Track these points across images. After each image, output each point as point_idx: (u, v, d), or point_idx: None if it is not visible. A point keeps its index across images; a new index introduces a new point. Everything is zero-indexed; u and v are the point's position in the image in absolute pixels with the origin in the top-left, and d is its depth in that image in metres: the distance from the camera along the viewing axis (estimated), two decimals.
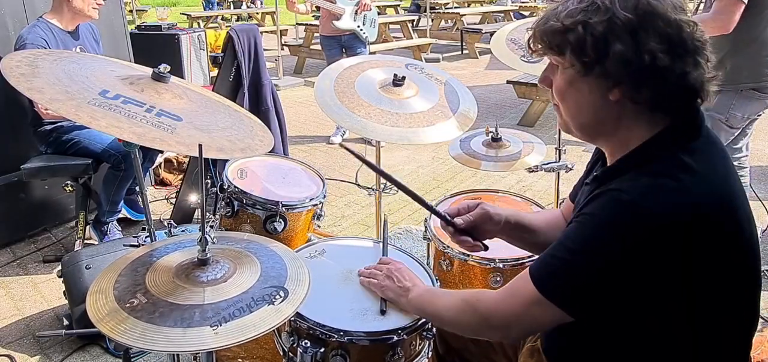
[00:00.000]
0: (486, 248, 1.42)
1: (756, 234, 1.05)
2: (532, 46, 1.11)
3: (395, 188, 2.31)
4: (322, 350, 1.29)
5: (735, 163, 2.85)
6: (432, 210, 1.42)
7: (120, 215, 3.30)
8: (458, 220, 1.39)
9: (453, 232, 1.40)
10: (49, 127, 2.99)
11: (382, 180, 2.30)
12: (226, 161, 2.16)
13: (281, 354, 1.40)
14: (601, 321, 1.04)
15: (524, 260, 1.75)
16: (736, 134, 2.69)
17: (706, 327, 1.03)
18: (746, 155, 2.87)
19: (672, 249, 0.95)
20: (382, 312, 1.36)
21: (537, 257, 1.70)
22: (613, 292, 0.99)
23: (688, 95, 1.02)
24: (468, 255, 1.75)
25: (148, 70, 1.57)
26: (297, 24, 9.51)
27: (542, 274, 1.06)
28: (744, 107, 2.59)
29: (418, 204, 1.40)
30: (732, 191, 1.02)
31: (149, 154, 3.31)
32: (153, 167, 3.89)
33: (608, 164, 1.12)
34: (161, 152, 3.56)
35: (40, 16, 2.96)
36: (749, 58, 2.53)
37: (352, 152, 1.32)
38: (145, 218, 3.17)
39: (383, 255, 1.57)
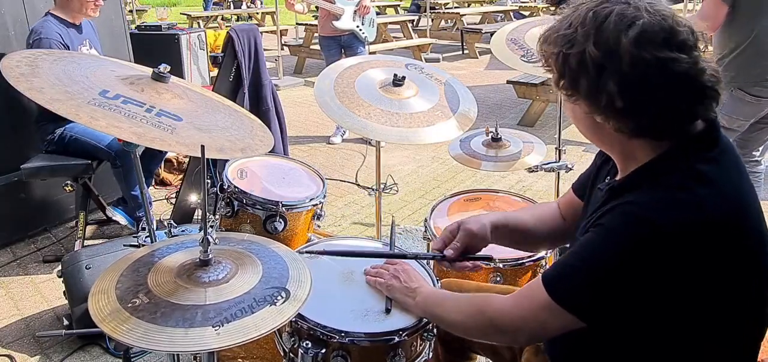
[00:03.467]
0: (491, 259, 1.45)
1: (767, 236, 1.04)
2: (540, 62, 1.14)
3: (395, 188, 2.33)
4: (323, 351, 1.29)
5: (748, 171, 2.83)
6: (419, 257, 1.47)
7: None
8: (448, 251, 1.40)
9: (449, 265, 1.42)
10: (52, 127, 2.99)
11: (382, 181, 2.30)
12: (226, 161, 2.16)
13: (282, 354, 1.40)
14: (610, 327, 1.04)
15: (524, 261, 1.75)
16: (732, 136, 2.68)
17: (714, 331, 1.03)
18: (758, 161, 2.85)
19: (686, 262, 0.95)
20: (387, 311, 1.36)
21: (539, 256, 1.73)
22: (626, 301, 0.99)
23: (665, 127, 1.01)
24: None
25: (148, 70, 1.57)
26: (297, 24, 9.50)
27: (556, 281, 1.06)
28: (734, 108, 2.59)
29: (403, 260, 1.46)
30: (746, 199, 1.02)
31: (144, 162, 3.31)
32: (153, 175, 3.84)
33: (620, 174, 1.12)
34: (164, 155, 3.56)
35: (48, 12, 3.02)
36: (742, 59, 2.53)
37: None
38: (132, 220, 3.20)
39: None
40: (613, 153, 1.13)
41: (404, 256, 1.47)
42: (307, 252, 1.46)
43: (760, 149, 2.81)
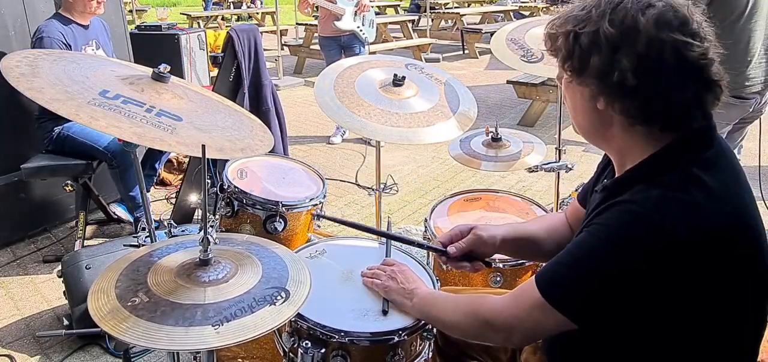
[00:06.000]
0: (489, 264, 1.44)
1: (764, 239, 1.03)
2: (545, 45, 1.14)
3: (395, 188, 2.33)
4: (323, 350, 1.29)
5: None
6: (423, 247, 1.46)
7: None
8: (451, 248, 1.41)
9: (446, 260, 1.42)
10: (52, 125, 2.99)
11: (382, 181, 2.30)
12: (226, 161, 2.16)
13: (282, 354, 1.40)
14: (604, 329, 1.04)
15: (525, 261, 1.75)
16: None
17: (712, 335, 1.02)
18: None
19: (681, 264, 0.94)
20: (384, 313, 1.36)
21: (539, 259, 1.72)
22: (619, 302, 0.98)
23: (673, 114, 1.00)
24: None
25: (148, 70, 1.57)
26: (297, 24, 9.50)
27: (548, 281, 1.06)
28: (721, 114, 2.62)
29: (409, 245, 1.46)
30: (744, 204, 1.01)
31: (150, 161, 3.32)
32: (157, 174, 3.84)
33: (617, 173, 1.12)
34: (163, 155, 3.56)
35: (57, 11, 3.07)
36: (729, 66, 2.54)
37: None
38: (134, 218, 3.20)
39: (387, 256, 1.57)
40: (611, 149, 1.12)
41: (411, 242, 1.46)
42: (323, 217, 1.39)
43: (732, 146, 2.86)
